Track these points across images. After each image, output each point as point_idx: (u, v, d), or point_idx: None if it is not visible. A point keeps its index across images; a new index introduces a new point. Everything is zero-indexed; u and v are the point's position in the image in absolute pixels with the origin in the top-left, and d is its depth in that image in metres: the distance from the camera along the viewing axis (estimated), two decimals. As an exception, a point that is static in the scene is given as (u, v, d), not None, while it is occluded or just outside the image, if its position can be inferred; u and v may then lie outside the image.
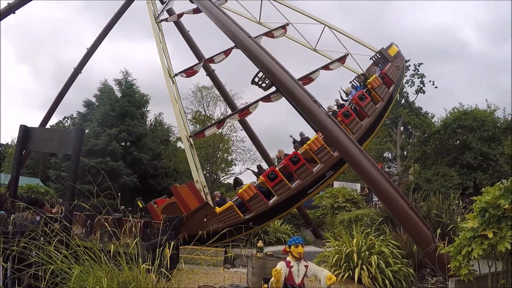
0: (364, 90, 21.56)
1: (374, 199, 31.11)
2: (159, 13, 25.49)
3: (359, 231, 12.77)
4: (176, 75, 24.08)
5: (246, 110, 23.04)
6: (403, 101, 50.57)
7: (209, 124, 31.03)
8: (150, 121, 59.05)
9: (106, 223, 6.84)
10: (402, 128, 54.41)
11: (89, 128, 43.96)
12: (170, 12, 26.40)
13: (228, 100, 30.32)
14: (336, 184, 34.35)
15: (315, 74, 22.09)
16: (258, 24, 24.68)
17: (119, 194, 8.12)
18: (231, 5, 24.66)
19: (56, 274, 5.88)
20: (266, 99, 22.62)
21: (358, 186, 35.93)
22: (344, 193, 25.83)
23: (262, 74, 22.24)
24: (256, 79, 22.69)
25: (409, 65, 49.09)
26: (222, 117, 53.09)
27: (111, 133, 43.04)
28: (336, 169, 19.22)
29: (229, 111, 45.74)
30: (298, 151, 19.66)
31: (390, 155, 59.39)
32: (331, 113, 19.50)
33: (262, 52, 16.67)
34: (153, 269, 6.13)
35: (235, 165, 58.44)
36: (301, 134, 22.86)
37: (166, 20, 25.53)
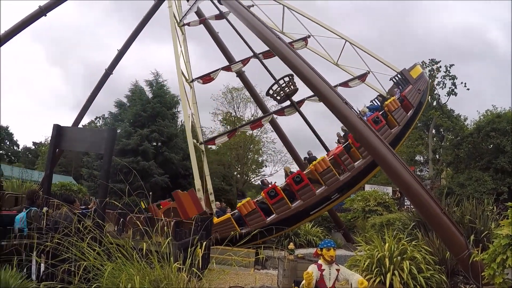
0: (381, 112, 20.82)
1: (406, 203, 30.76)
2: (182, 16, 25.74)
3: (391, 236, 12.61)
4: (193, 80, 24.45)
5: (258, 122, 23.35)
6: (434, 103, 49.76)
7: (226, 130, 31.03)
8: (181, 121, 59.45)
9: (138, 222, 6.89)
10: (434, 131, 53.43)
11: (120, 128, 44.48)
12: (199, 14, 26.53)
13: (258, 101, 30.25)
14: (368, 188, 34.04)
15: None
16: (281, 33, 24.58)
17: (150, 193, 8.17)
18: (255, 11, 24.71)
19: (88, 270, 5.94)
20: (280, 112, 22.85)
21: (389, 190, 35.56)
22: (376, 197, 25.62)
23: (276, 87, 22.46)
24: (271, 92, 22.83)
25: (440, 66, 48.38)
26: (252, 118, 53.19)
27: (142, 133, 43.48)
28: (342, 192, 19.07)
29: (260, 113, 45.94)
30: (304, 171, 19.63)
31: (421, 158, 58.66)
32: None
33: (291, 53, 16.59)
34: (184, 268, 6.15)
35: (266, 166, 58.37)
36: (309, 153, 22.72)
37: (188, 24, 25.77)
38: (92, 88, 31.32)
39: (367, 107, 22.91)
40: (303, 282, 7.04)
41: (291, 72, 20.56)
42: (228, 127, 56.04)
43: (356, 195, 27.65)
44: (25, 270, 6.33)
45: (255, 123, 24.33)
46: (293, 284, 9.10)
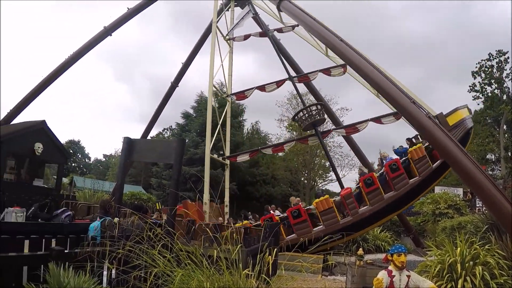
0: (403, 159, 19.71)
1: (478, 205, 29.81)
2: (229, 30, 26.35)
3: (463, 240, 12.26)
4: (227, 95, 25.10)
5: (281, 146, 23.91)
6: (504, 97, 48.03)
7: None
8: (247, 129, 59.85)
9: (207, 229, 7.00)
10: (505, 127, 51.23)
11: (188, 138, 45.23)
12: (259, 23, 26.73)
13: (324, 106, 30.06)
14: (438, 189, 33.22)
15: (362, 125, 21.56)
16: (326, 56, 24.45)
17: (218, 200, 8.29)
18: (300, 31, 24.75)
19: (158, 276, 6.08)
20: (304, 140, 23.03)
21: (460, 191, 34.51)
22: (446, 199, 24.87)
23: (302, 114, 22.43)
24: (297, 117, 22.95)
25: (508, 57, 46.68)
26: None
27: (209, 142, 43.98)
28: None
29: (325, 117, 45.64)
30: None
31: (493, 156, 56.58)
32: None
33: (356, 56, 16.46)
34: (253, 275, 6.19)
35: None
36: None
37: (234, 39, 26.22)
38: (159, 101, 32.25)
39: (394, 150, 21.93)
40: None
41: (321, 102, 20.69)
42: (294, 133, 55.96)
43: (426, 198, 26.96)
44: (97, 277, 6.53)
45: (278, 147, 25.59)
46: (362, 291, 9.00)
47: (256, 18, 26.35)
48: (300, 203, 21.33)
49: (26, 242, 6.91)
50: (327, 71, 23.32)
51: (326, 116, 23.43)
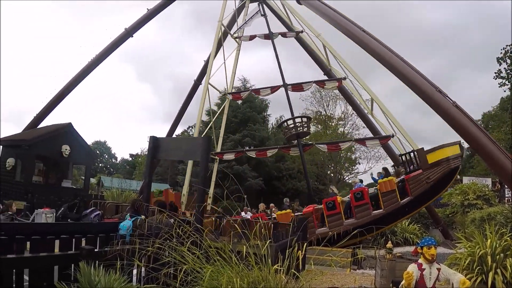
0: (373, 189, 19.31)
1: (507, 195, 29.38)
2: (237, 28, 27.09)
3: (493, 231, 12.06)
4: (225, 94, 25.69)
5: (263, 152, 24.88)
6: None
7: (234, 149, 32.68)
8: (272, 124, 59.75)
9: (235, 224, 7.00)
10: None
11: (213, 135, 45.35)
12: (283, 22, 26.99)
13: (348, 98, 29.89)
14: (466, 180, 32.81)
15: (344, 144, 22.31)
16: (329, 66, 24.95)
17: (245, 196, 8.31)
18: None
19: (187, 273, 6.09)
20: (286, 150, 23.67)
21: (489, 181, 33.93)
22: (475, 189, 24.49)
23: (289, 123, 23.64)
24: (284, 125, 23.61)
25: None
26: (342, 116, 52.84)
27: (234, 139, 44.24)
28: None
29: (350, 109, 45.51)
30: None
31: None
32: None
33: (380, 46, 16.34)
34: (282, 270, 6.17)
35: (359, 163, 57.49)
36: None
37: (239, 38, 26.61)
38: (182, 100, 32.45)
39: (372, 177, 21.77)
40: (402, 282, 6.76)
41: (309, 116, 20.89)
42: (319, 126, 55.76)
43: (454, 189, 26.63)
44: (127, 275, 6.58)
45: (261, 151, 27.24)
46: (391, 284, 8.90)
47: (265, 19, 26.70)
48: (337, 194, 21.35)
49: (57, 242, 6.98)
50: (321, 83, 24.58)
51: (311, 129, 23.61)
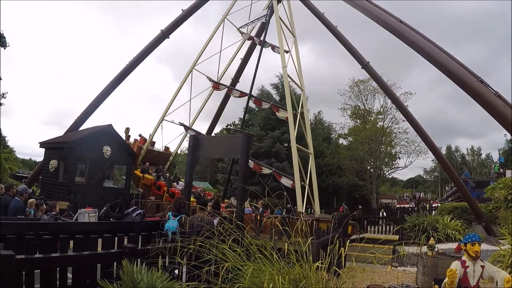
0: None
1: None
2: (243, 25, 29.31)
3: (538, 226, 11.75)
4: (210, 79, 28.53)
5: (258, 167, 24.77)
6: None
7: None
8: (310, 120, 59.61)
9: (276, 222, 6.99)
10: None
11: (252, 132, 45.46)
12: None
13: (387, 91, 29.56)
14: (509, 173, 32.13)
15: (265, 170, 24.74)
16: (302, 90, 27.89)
17: (284, 193, 8.30)
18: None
19: (229, 270, 6.10)
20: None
21: (534, 174, 33.19)
22: (519, 183, 23.93)
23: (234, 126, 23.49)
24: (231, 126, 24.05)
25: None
26: (381, 110, 52.37)
27: (273, 136, 44.30)
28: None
29: (389, 102, 45.13)
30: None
31: None
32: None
33: (418, 37, 16.09)
34: (324, 267, 6.13)
35: (399, 158, 56.74)
36: None
37: (241, 33, 29.15)
38: (220, 98, 32.68)
39: None
40: (445, 280, 6.55)
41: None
42: (358, 121, 55.33)
43: (497, 183, 26.03)
44: (169, 272, 6.62)
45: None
46: (433, 282, 8.73)
47: (266, 26, 27.88)
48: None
49: (99, 240, 7.08)
50: (276, 108, 26.43)
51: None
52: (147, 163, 27.99)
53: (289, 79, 26.18)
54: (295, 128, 24.24)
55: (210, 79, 28.95)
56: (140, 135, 30.98)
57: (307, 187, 22.86)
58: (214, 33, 29.43)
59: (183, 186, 26.60)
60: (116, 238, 7.41)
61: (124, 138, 28.86)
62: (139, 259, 6.42)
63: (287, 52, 26.89)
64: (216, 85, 28.62)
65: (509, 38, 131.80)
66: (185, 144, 29.56)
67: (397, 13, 17.75)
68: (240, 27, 29.18)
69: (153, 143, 31.48)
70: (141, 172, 26.65)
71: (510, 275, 6.62)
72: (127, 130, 30.28)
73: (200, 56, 29.63)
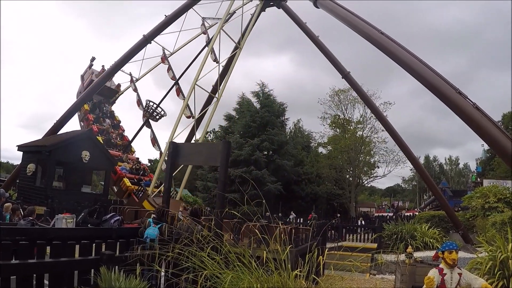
0: None
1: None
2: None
3: (515, 235, 11.90)
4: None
5: None
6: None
7: None
8: (290, 128, 59.84)
9: (255, 229, 7.00)
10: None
11: (231, 140, 45.51)
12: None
13: (367, 101, 29.75)
14: (486, 183, 32.53)
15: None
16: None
17: (263, 201, 8.32)
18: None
19: (207, 278, 6.09)
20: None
21: (510, 184, 33.51)
22: (495, 192, 24.14)
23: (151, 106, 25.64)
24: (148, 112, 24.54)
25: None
26: (361, 119, 52.80)
27: (253, 143, 44.40)
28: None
29: (369, 112, 45.51)
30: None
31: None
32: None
33: (397, 47, 16.24)
34: (302, 275, 6.15)
35: (378, 167, 57.22)
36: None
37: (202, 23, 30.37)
38: (201, 105, 32.72)
39: None
40: (423, 287, 6.73)
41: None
42: (338, 130, 55.72)
43: (475, 192, 26.35)
44: (147, 280, 6.60)
45: None
46: (411, 289, 8.81)
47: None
48: None
49: (77, 247, 7.03)
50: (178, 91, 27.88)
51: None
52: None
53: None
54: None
55: (163, 50, 29.40)
56: (103, 66, 32.85)
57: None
58: (177, 16, 29.33)
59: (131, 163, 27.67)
60: (94, 244, 7.36)
61: (88, 67, 30.87)
62: (117, 266, 6.38)
63: (216, 62, 28.51)
64: (164, 58, 29.40)
65: (487, 50, 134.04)
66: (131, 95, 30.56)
67: (378, 24, 17.91)
68: (205, 18, 29.83)
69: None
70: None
71: (487, 282, 6.71)
72: (93, 59, 31.95)
73: (161, 30, 29.47)
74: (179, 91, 27.94)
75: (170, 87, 29.50)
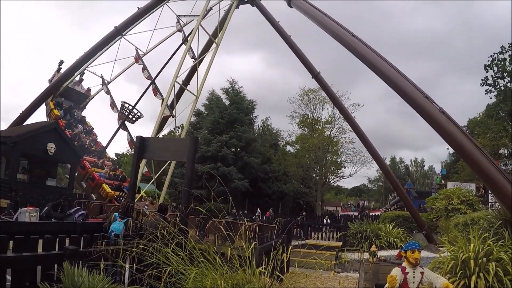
0: None
1: (490, 200, 29.58)
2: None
3: (476, 236, 12.15)
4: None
5: None
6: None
7: None
8: (258, 126, 59.86)
9: (220, 226, 7.00)
10: (518, 121, 49.98)
11: (200, 135, 45.35)
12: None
13: (336, 101, 29.96)
14: (450, 185, 33.09)
15: None
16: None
17: (230, 198, 8.30)
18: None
19: (172, 274, 6.07)
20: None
21: (473, 186, 34.18)
22: (459, 194, 24.64)
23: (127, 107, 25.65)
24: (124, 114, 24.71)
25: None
26: (329, 119, 53.17)
27: (221, 140, 44.30)
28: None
29: (337, 112, 45.85)
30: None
31: (506, 151, 55.56)
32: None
33: (367, 50, 16.38)
34: (266, 272, 6.18)
35: (345, 167, 57.71)
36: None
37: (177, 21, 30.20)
38: (170, 100, 32.46)
39: None
40: (386, 285, 6.77)
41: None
42: (306, 129, 55.98)
43: (438, 193, 26.80)
44: (111, 276, 6.55)
45: None
46: (374, 288, 8.93)
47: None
48: None
49: (40, 241, 6.94)
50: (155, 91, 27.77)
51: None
52: (62, 98, 29.79)
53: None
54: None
55: (136, 50, 29.13)
56: None
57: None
58: (151, 12, 29.57)
59: (108, 169, 26.88)
60: (58, 239, 7.27)
61: (56, 71, 30.10)
62: (80, 262, 6.32)
63: (194, 59, 28.86)
64: (138, 58, 29.24)
65: (454, 57, 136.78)
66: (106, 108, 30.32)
67: (349, 28, 18.01)
68: (180, 16, 29.68)
69: (80, 81, 32.35)
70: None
71: (448, 281, 6.85)
72: (61, 62, 31.07)
73: (132, 27, 29.37)
74: (156, 91, 27.76)
75: (146, 87, 29.17)
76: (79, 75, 31.10)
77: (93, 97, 33.43)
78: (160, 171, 26.76)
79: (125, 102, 28.27)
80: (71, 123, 30.00)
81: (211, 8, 29.88)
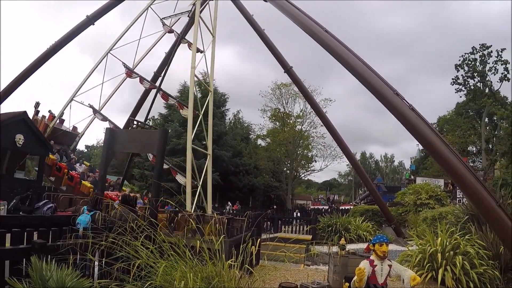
0: None
1: (458, 196, 30.09)
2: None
3: (444, 230, 12.36)
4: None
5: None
6: (487, 90, 48.30)
7: None
8: (230, 119, 59.85)
9: (190, 219, 7.01)
10: (486, 120, 51.10)
11: (170, 128, 45.13)
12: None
13: (307, 96, 30.05)
14: (419, 180, 33.57)
15: None
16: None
17: (200, 191, 8.23)
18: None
19: (141, 268, 6.06)
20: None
21: (441, 182, 34.72)
22: (428, 190, 25.09)
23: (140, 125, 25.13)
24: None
25: (491, 51, 46.99)
26: (301, 113, 53.42)
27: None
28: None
29: (309, 107, 46.07)
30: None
31: (474, 148, 56.65)
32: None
33: (340, 46, 16.46)
34: (236, 265, 6.21)
35: (316, 161, 58.17)
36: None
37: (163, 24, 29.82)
38: (141, 92, 32.22)
39: None
40: (355, 278, 6.90)
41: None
42: (277, 123, 56.20)
43: (408, 189, 27.20)
44: (80, 269, 6.50)
45: None
46: (343, 280, 9.04)
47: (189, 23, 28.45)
48: None
49: (8, 235, 6.86)
50: (180, 105, 28.00)
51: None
52: (52, 141, 27.72)
53: (197, 79, 26.13)
54: (193, 129, 24.36)
55: (125, 65, 28.60)
56: (49, 111, 30.98)
57: (199, 187, 22.76)
58: (136, 20, 29.49)
59: (84, 169, 26.58)
60: (26, 233, 7.19)
61: (34, 114, 28.88)
62: (49, 256, 6.27)
63: (201, 52, 27.46)
64: (129, 73, 28.53)
65: (427, 56, 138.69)
66: (97, 131, 29.82)
67: (323, 24, 18.05)
68: (164, 18, 29.25)
69: (62, 121, 31.35)
70: None
71: (416, 274, 6.98)
72: (37, 104, 30.03)
73: (117, 41, 29.19)
74: (166, 96, 27.47)
75: (154, 96, 28.53)
76: (58, 118, 30.51)
77: (83, 133, 32.88)
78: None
79: (136, 121, 27.38)
80: (71, 164, 29.30)
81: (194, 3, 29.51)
